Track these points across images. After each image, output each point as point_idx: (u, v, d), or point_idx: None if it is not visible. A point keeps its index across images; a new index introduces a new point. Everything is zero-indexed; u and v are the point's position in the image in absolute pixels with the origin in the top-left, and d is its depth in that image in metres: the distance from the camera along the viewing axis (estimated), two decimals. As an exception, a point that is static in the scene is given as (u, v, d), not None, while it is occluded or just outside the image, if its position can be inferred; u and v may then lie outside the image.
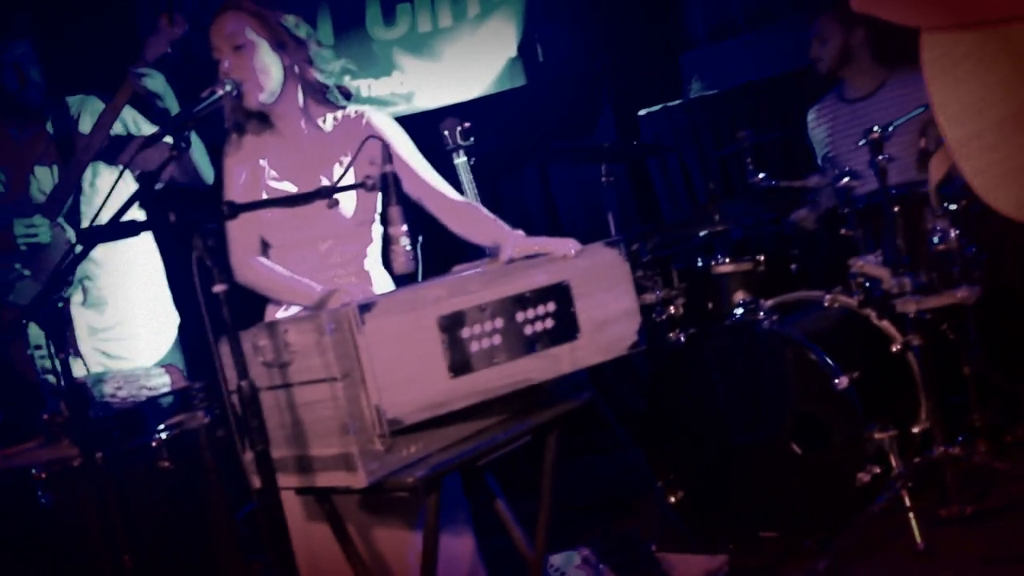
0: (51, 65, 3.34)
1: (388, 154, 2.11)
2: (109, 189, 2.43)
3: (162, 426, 2.48)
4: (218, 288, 1.75)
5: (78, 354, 3.22)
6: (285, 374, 1.97)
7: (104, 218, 2.94)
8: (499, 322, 2.04)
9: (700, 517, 3.36)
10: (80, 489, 2.27)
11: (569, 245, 2.20)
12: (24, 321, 1.99)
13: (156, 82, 3.08)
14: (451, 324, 1.98)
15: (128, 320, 3.32)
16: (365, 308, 1.90)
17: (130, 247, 3.28)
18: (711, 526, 3.32)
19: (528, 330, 2.08)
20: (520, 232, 2.34)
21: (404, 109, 5.04)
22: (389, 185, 2.10)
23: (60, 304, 3.04)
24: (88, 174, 3.22)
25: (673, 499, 3.39)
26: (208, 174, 3.23)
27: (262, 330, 1.99)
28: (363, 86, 5.02)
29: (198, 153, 3.20)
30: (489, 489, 2.47)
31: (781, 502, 3.20)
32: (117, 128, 3.22)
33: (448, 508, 2.41)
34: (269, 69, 2.42)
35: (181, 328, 3.44)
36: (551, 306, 2.12)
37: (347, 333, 1.88)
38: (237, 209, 1.78)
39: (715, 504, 3.34)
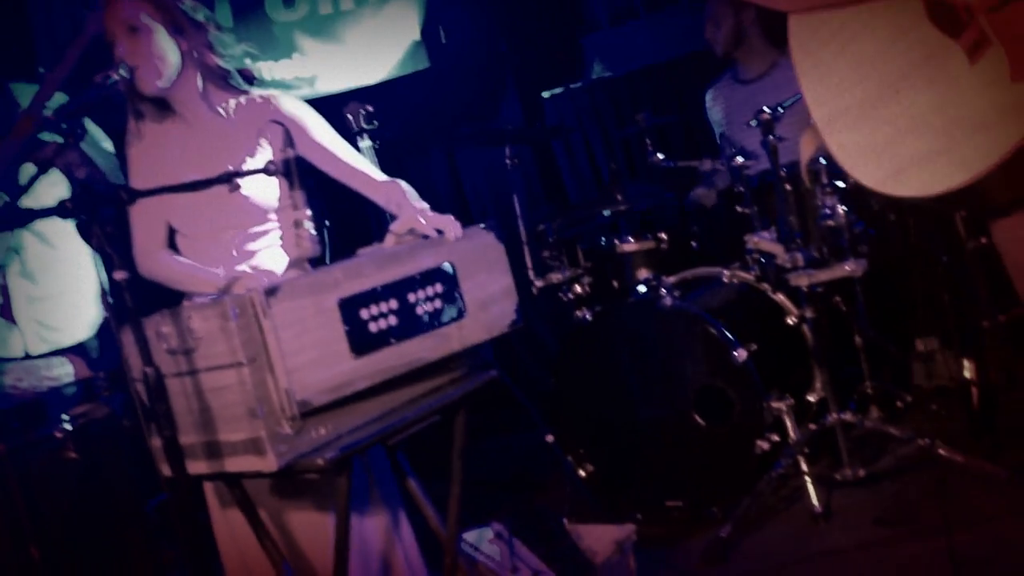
0: None
1: (290, 139, 2.10)
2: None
3: (67, 416, 2.45)
4: (119, 275, 1.73)
5: (15, 325, 3.18)
6: (190, 360, 1.96)
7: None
8: (394, 303, 2.08)
9: (609, 490, 3.45)
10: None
11: (449, 230, 2.24)
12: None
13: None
14: (351, 306, 2.00)
15: (64, 291, 3.29)
16: (270, 292, 1.90)
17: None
18: (619, 498, 3.43)
19: (420, 310, 2.13)
20: (422, 206, 2.35)
21: (307, 93, 4.99)
22: (292, 170, 2.09)
23: None
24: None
25: (583, 473, 3.48)
26: (107, 166, 3.19)
27: (165, 317, 1.98)
28: (264, 68, 4.95)
29: (94, 149, 3.16)
30: (400, 468, 2.50)
31: (686, 472, 3.31)
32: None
33: (376, 486, 2.44)
34: (166, 54, 2.38)
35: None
36: (439, 287, 2.17)
37: (252, 318, 1.89)
38: (135, 195, 1.76)
39: (623, 477, 3.44)
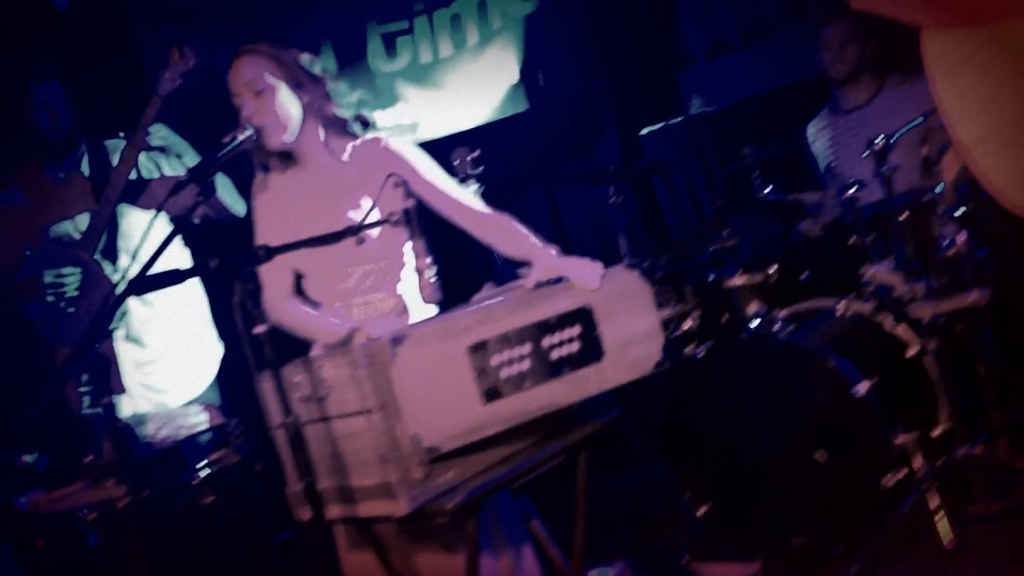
0: (85, 109, 3.45)
1: (408, 190, 2.16)
2: (141, 232, 2.49)
3: (202, 463, 2.54)
4: (259, 329, 1.80)
5: (123, 390, 3.28)
6: (322, 408, 2.02)
7: (142, 258, 3.04)
8: (526, 348, 2.09)
9: (728, 527, 3.39)
10: (127, 528, 2.32)
11: (594, 273, 2.25)
12: (75, 362, 2.05)
13: (161, 136, 3.16)
14: (480, 352, 2.03)
15: (169, 353, 3.37)
16: (397, 341, 1.95)
17: None
18: (740, 535, 3.36)
19: (554, 355, 2.14)
20: (552, 251, 2.38)
21: (409, 140, 5.10)
22: (413, 219, 2.15)
23: (100, 343, 3.13)
24: (118, 213, 3.30)
25: (701, 510, 3.43)
26: (238, 208, 3.31)
27: (298, 366, 2.05)
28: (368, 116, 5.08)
29: (225, 191, 3.28)
30: (525, 509, 2.52)
31: (809, 509, 3.23)
32: (150, 167, 3.31)
33: (500, 526, 2.46)
34: (289, 110, 2.49)
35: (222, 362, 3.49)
36: (575, 330, 2.17)
37: (380, 366, 1.94)
38: (272, 252, 1.84)
39: (743, 514, 3.37)
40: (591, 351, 2.19)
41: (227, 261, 1.75)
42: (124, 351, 3.30)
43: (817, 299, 3.58)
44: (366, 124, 2.62)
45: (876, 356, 3.35)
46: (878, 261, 3.22)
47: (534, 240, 2.41)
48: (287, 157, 2.57)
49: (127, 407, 3.31)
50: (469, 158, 3.70)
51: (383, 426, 1.94)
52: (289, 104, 2.49)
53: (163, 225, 3.33)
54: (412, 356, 1.96)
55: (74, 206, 3.34)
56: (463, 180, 3.70)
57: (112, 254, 3.27)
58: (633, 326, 2.28)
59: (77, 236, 3.26)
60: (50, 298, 3.16)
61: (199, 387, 3.40)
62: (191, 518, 2.43)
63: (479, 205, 2.57)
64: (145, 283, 1.85)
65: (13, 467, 2.37)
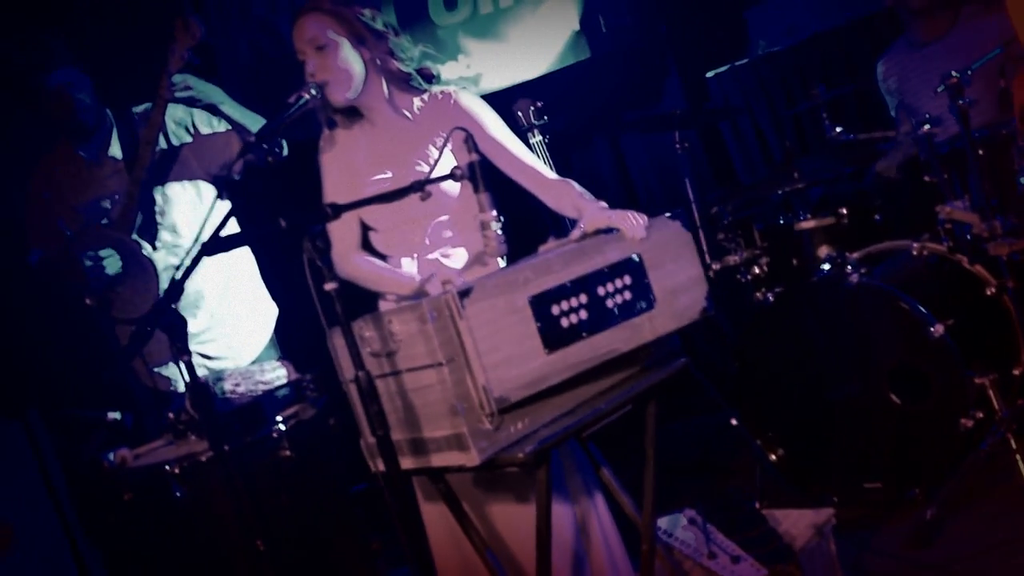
0: (106, 78, 3.40)
1: (473, 143, 2.17)
2: (180, 205, 2.42)
3: (279, 417, 2.60)
4: (330, 286, 1.84)
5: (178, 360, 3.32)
6: (392, 362, 2.05)
7: (208, 228, 3.06)
8: (583, 298, 2.11)
9: (801, 473, 3.38)
10: (211, 481, 2.40)
11: (639, 223, 2.25)
12: (148, 330, 2.10)
13: (191, 88, 3.11)
14: (542, 303, 2.05)
15: (221, 321, 3.36)
16: (464, 294, 1.97)
17: None
18: (813, 481, 3.35)
19: (610, 303, 2.16)
20: (601, 204, 2.38)
21: (473, 92, 5.10)
22: (477, 173, 2.16)
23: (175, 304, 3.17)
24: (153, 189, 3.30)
25: (773, 457, 3.42)
26: (250, 123, 3.19)
27: (367, 322, 2.08)
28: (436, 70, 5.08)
29: (228, 107, 3.20)
30: (594, 458, 2.54)
31: (884, 453, 3.20)
32: (180, 134, 3.31)
33: (574, 473, 2.50)
34: (352, 66, 2.49)
35: (278, 321, 3.48)
36: (627, 279, 2.20)
37: (448, 320, 1.96)
38: (340, 210, 1.87)
39: (816, 459, 3.36)
40: (643, 299, 2.22)
41: (295, 221, 1.78)
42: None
43: (891, 240, 3.51)
44: (429, 78, 2.61)
45: (953, 296, 3.28)
46: (954, 199, 3.13)
47: (586, 199, 2.41)
48: (353, 113, 2.59)
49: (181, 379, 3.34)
50: (532, 109, 3.68)
51: (453, 379, 1.97)
52: (352, 60, 2.49)
53: (205, 190, 3.32)
54: (479, 309, 1.98)
55: (109, 184, 3.33)
56: (527, 131, 3.68)
57: (150, 232, 3.27)
58: (679, 275, 2.31)
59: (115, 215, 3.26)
60: (93, 280, 3.18)
61: (256, 350, 3.39)
62: (270, 471, 2.50)
63: (543, 169, 2.56)
64: (215, 245, 1.88)
65: (100, 424, 2.46)
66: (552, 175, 2.55)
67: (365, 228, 2.62)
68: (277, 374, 2.63)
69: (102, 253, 3.17)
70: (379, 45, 2.52)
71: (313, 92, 2.43)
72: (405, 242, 2.58)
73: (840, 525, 2.88)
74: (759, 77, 5.03)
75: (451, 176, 2.14)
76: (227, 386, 2.48)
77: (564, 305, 2.08)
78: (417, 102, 2.58)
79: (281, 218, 1.71)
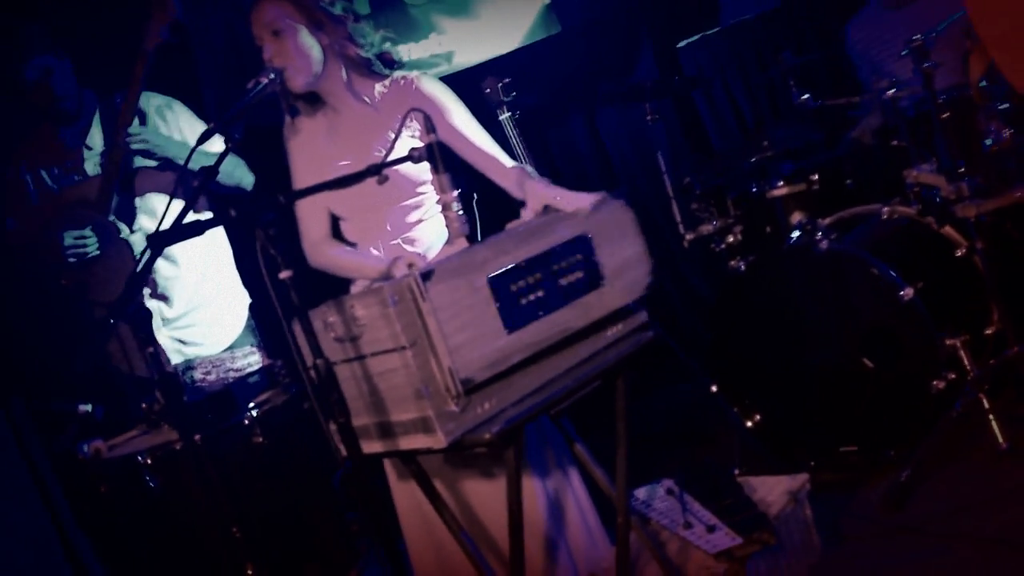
0: (89, 63, 3.39)
1: (431, 124, 2.16)
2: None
3: (252, 404, 2.61)
4: (284, 274, 1.84)
5: (144, 351, 3.30)
6: (357, 347, 2.06)
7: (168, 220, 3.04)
8: (539, 277, 2.13)
9: (779, 439, 3.41)
10: (184, 470, 2.41)
11: (582, 198, 2.26)
12: (112, 321, 2.10)
13: (147, 141, 3.12)
14: (500, 283, 2.06)
15: (197, 307, 3.34)
16: (425, 277, 1.97)
17: None
18: (790, 446, 3.38)
19: (563, 281, 2.18)
20: (543, 182, 2.38)
21: (445, 69, 5.07)
22: (436, 154, 2.15)
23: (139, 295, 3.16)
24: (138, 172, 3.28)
25: (750, 423, 3.44)
26: (247, 180, 3.30)
27: (330, 307, 2.09)
28: (403, 51, 5.06)
29: (231, 164, 3.23)
30: (567, 433, 2.56)
31: (858, 416, 3.23)
32: (159, 119, 3.29)
33: (549, 447, 2.51)
34: (310, 51, 2.48)
35: (253, 308, 3.47)
36: (578, 257, 2.20)
37: (410, 303, 1.96)
38: (291, 197, 1.86)
39: (792, 425, 3.38)
40: (593, 277, 2.24)
41: (247, 209, 1.78)
42: (153, 308, 3.29)
43: (861, 205, 3.53)
44: (391, 64, 2.60)
45: (923, 259, 3.30)
46: (921, 163, 3.14)
47: (533, 180, 2.40)
48: (314, 99, 2.58)
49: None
50: (500, 85, 3.66)
51: (417, 362, 1.97)
52: (309, 45, 2.48)
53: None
54: (440, 291, 1.98)
55: (87, 168, 3.31)
56: (496, 108, 3.67)
57: (128, 215, 3.25)
58: (625, 251, 2.33)
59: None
60: (72, 260, 3.19)
61: (231, 336, 3.35)
62: (244, 457, 2.51)
63: (502, 156, 2.56)
64: (164, 236, 1.88)
65: (72, 417, 2.46)
66: (509, 162, 2.54)
67: (335, 217, 2.62)
68: (248, 361, 2.64)
69: (79, 233, 3.17)
70: (337, 30, 2.51)
71: (272, 77, 2.42)
72: (370, 229, 2.58)
73: (817, 489, 2.92)
74: (730, 45, 5.02)
75: (408, 158, 2.14)
76: (197, 375, 2.48)
77: (521, 284, 2.09)
78: (379, 88, 2.57)
79: (231, 207, 1.71)
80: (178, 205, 3.27)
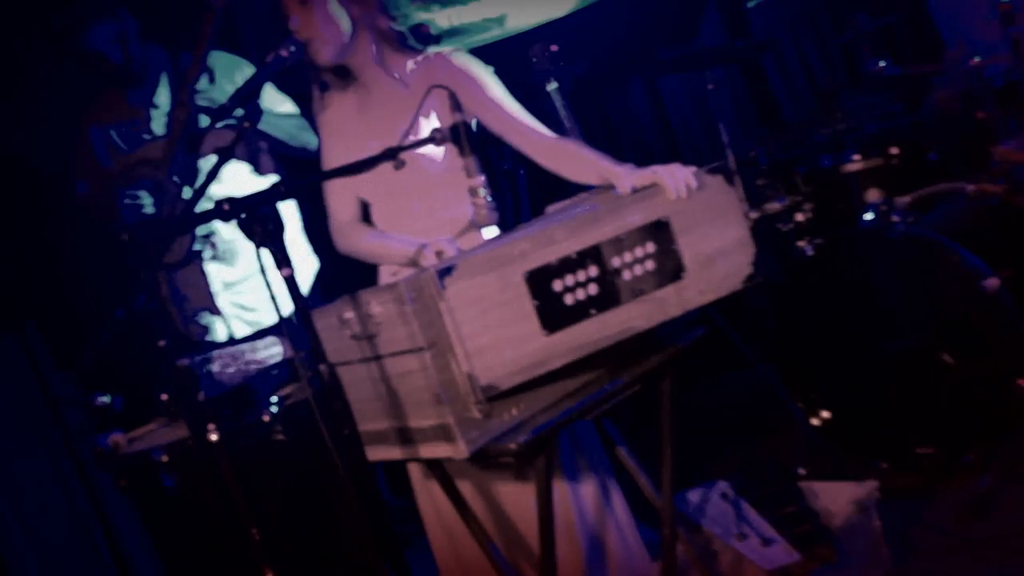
0: (157, 21, 3.36)
1: (456, 102, 1.96)
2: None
3: (274, 399, 2.47)
4: (284, 272, 1.67)
5: (216, 311, 3.27)
6: (374, 346, 1.89)
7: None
8: (593, 270, 1.90)
9: (847, 437, 3.16)
10: (201, 469, 2.28)
11: (682, 176, 2.01)
12: (126, 306, 1.98)
13: (214, 98, 3.07)
14: (540, 278, 1.85)
15: (257, 272, 3.30)
16: (445, 272, 1.78)
17: None
18: (860, 446, 3.12)
19: (627, 275, 1.93)
20: (629, 165, 2.15)
21: (497, 34, 4.85)
22: (461, 136, 1.96)
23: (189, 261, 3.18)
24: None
25: (816, 421, 3.20)
26: (313, 143, 3.17)
27: (347, 303, 1.92)
28: (453, 14, 4.85)
29: (296, 127, 3.19)
30: (608, 437, 2.37)
31: (936, 416, 2.97)
32: (227, 82, 3.22)
33: (582, 455, 2.32)
34: (337, 22, 2.29)
35: (320, 276, 3.40)
36: (650, 247, 1.95)
37: (428, 301, 1.78)
38: (292, 187, 1.68)
39: (863, 422, 3.13)
40: (669, 269, 1.97)
41: (242, 202, 1.60)
42: (213, 272, 3.27)
43: (943, 183, 3.23)
44: (426, 38, 2.40)
45: (1011, 244, 3.01)
46: (1009, 138, 2.84)
47: (607, 160, 2.17)
48: (345, 73, 2.40)
49: (220, 330, 3.29)
50: (547, 53, 3.43)
51: (436, 365, 1.79)
52: (338, 17, 2.30)
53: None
54: (463, 287, 1.80)
55: (154, 128, 3.26)
56: (543, 77, 3.44)
57: (190, 175, 3.17)
58: (717, 238, 2.04)
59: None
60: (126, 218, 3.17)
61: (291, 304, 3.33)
62: (264, 455, 2.37)
63: (543, 130, 2.33)
64: (173, 224, 1.71)
65: (89, 408, 2.35)
66: (552, 135, 2.32)
67: (366, 205, 2.45)
68: (270, 352, 2.48)
69: (140, 193, 3.14)
70: (369, 1, 2.32)
71: (292, 49, 2.24)
72: (401, 215, 2.40)
73: (887, 495, 2.69)
74: (805, 5, 4.69)
75: (430, 139, 1.95)
76: (215, 367, 2.34)
77: (569, 280, 1.86)
78: (410, 64, 2.37)
79: (225, 201, 1.54)
80: (241, 167, 3.28)
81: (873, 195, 3.32)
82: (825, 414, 3.18)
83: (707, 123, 4.82)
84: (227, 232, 3.26)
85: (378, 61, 2.36)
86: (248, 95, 2.18)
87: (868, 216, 3.17)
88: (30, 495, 2.84)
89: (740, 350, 3.60)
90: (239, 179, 3.25)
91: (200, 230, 3.20)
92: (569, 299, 1.88)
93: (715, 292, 2.05)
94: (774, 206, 3.49)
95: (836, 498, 2.60)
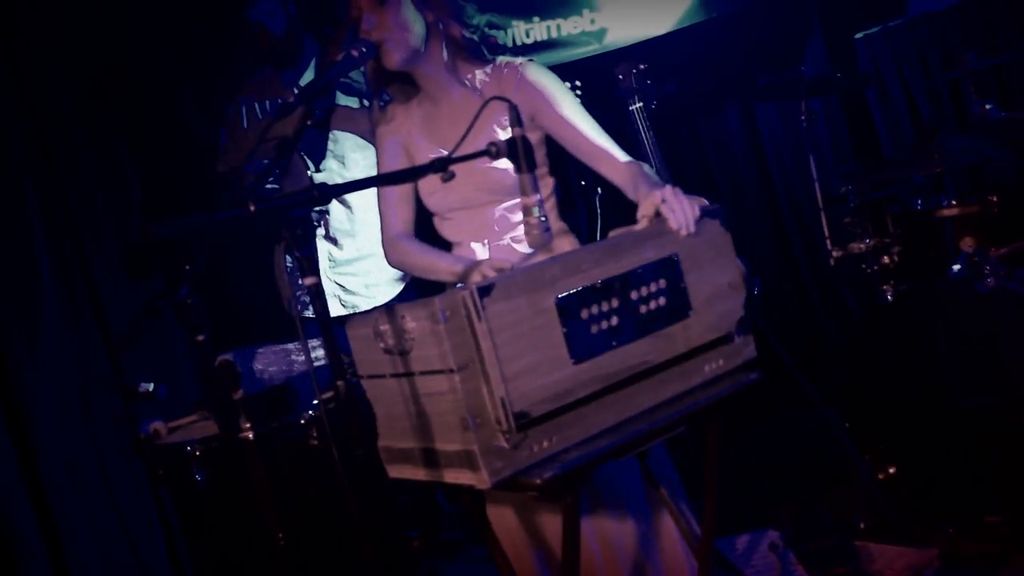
0: (312, 8, 3.52)
1: (517, 116, 1.89)
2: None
3: (313, 402, 2.43)
4: (309, 281, 1.62)
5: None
6: (407, 362, 1.83)
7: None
8: (615, 302, 1.82)
9: (913, 495, 2.99)
10: (232, 467, 2.26)
11: (688, 214, 1.92)
12: (159, 306, 1.97)
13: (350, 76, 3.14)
14: (570, 306, 1.77)
15: (366, 256, 3.37)
16: (484, 292, 1.72)
17: None
18: (926, 506, 2.95)
19: (643, 309, 1.86)
20: (656, 184, 2.05)
21: (595, 48, 4.76)
22: (519, 151, 1.89)
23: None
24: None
25: (882, 476, 3.03)
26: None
27: (383, 314, 1.86)
28: (552, 27, 4.79)
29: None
30: (651, 476, 2.26)
31: (1011, 481, 2.78)
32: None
33: (627, 485, 2.23)
34: (412, 26, 2.24)
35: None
36: (662, 283, 1.88)
37: (464, 320, 1.71)
38: (327, 192, 1.63)
39: (932, 481, 2.96)
40: (679, 306, 1.90)
41: (270, 204, 1.55)
42: (322, 248, 3.36)
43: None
44: (495, 49, 2.34)
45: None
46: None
47: (651, 182, 2.09)
48: (409, 82, 2.35)
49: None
50: (635, 72, 3.34)
51: (465, 388, 1.72)
52: (412, 20, 2.25)
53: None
54: (501, 309, 1.72)
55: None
56: (628, 96, 3.35)
57: (318, 153, 3.28)
58: (717, 279, 1.98)
59: None
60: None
61: (391, 294, 3.38)
62: (294, 459, 2.33)
63: (616, 150, 2.25)
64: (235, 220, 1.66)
65: (133, 395, 2.36)
66: (624, 157, 2.24)
67: (428, 214, 2.41)
68: (316, 354, 2.45)
69: (261, 165, 3.23)
70: (444, 7, 2.27)
71: (363, 50, 2.21)
72: (472, 228, 2.34)
73: (952, 561, 2.52)
74: (914, 40, 4.49)
75: (485, 152, 1.88)
76: (258, 365, 2.32)
77: (594, 309, 1.80)
78: (480, 75, 2.32)
79: (251, 202, 1.50)
80: (364, 151, 3.32)
81: (967, 243, 3.14)
82: (891, 469, 3.01)
83: (800, 154, 4.66)
84: (339, 213, 3.36)
85: (449, 69, 2.31)
86: (317, 92, 2.16)
87: (957, 267, 2.99)
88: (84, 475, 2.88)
89: (805, 390, 3.43)
90: (364, 164, 3.33)
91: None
92: (594, 328, 1.81)
93: (714, 332, 1.98)
94: (859, 246, 3.34)
95: (893, 563, 2.46)
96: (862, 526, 2.95)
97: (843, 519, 2.93)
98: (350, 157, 3.35)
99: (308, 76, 3.39)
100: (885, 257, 3.31)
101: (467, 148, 2.01)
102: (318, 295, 1.61)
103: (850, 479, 3.20)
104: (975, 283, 2.83)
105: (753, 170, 4.77)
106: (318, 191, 1.59)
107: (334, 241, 3.38)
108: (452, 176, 1.80)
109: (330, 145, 3.28)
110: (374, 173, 3.27)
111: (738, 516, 2.93)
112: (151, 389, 2.37)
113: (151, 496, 2.78)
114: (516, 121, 1.90)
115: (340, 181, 3.32)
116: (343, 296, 3.39)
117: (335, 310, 3.36)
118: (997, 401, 2.79)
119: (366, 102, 3.26)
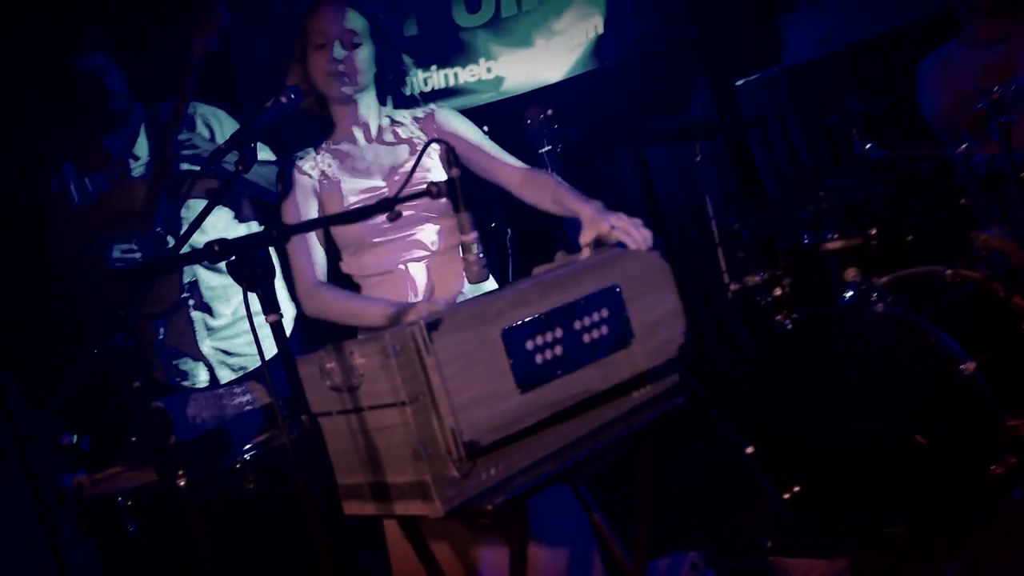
0: (139, 72, 3.36)
1: (455, 157, 1.98)
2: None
3: (248, 445, 2.43)
4: (271, 318, 1.66)
5: (200, 357, 3.26)
6: (355, 398, 1.87)
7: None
8: (559, 332, 1.91)
9: (818, 514, 3.15)
10: (164, 515, 2.23)
11: (642, 234, 2.04)
12: (95, 352, 1.95)
13: (196, 147, 3.08)
14: (515, 337, 1.85)
15: (243, 317, 3.30)
16: (432, 326, 1.78)
17: None
18: (830, 523, 3.12)
19: (586, 338, 1.95)
20: (597, 204, 2.16)
21: (493, 96, 4.91)
22: (457, 190, 1.97)
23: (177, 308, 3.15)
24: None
25: (787, 495, 3.19)
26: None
27: (330, 352, 1.90)
28: (450, 75, 4.92)
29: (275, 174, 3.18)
30: (584, 502, 2.34)
31: (907, 497, 2.97)
32: (205, 128, 3.22)
33: (558, 517, 2.29)
34: (369, 69, 2.40)
35: (298, 320, 3.37)
36: (604, 312, 1.99)
37: (414, 355, 1.77)
38: (285, 232, 1.68)
39: (833, 498, 3.13)
40: (621, 334, 2.01)
41: (231, 243, 1.59)
42: (196, 319, 3.26)
43: (922, 266, 3.27)
44: (414, 99, 2.49)
45: (987, 329, 3.04)
46: (992, 224, 2.89)
47: (577, 196, 2.22)
48: (330, 128, 2.44)
49: (203, 375, 3.27)
50: (542, 116, 3.47)
51: (417, 420, 1.78)
52: (370, 64, 2.40)
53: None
54: (449, 343, 1.79)
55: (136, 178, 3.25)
56: (536, 140, 3.48)
57: (174, 225, 3.17)
58: (658, 308, 2.10)
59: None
60: (119, 268, 3.12)
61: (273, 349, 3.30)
62: (233, 504, 2.32)
63: (518, 163, 2.43)
64: (157, 264, 1.70)
65: (56, 447, 2.31)
66: (524, 167, 2.40)
67: (336, 253, 2.44)
68: (247, 398, 2.45)
69: (127, 247, 3.12)
70: (391, 56, 2.44)
71: (292, 97, 2.26)
72: (393, 278, 2.39)
73: (857, 574, 2.66)
74: (792, 86, 4.78)
75: (427, 193, 1.95)
76: (190, 411, 2.31)
77: (539, 340, 1.88)
78: (403, 119, 2.47)
79: (216, 243, 1.53)
80: (224, 213, 3.26)
81: (851, 274, 3.36)
82: (796, 488, 3.17)
83: (692, 194, 4.89)
84: (212, 279, 3.26)
85: (380, 112, 2.43)
86: (245, 140, 2.18)
87: (848, 294, 3.20)
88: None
89: (716, 420, 3.59)
90: (221, 226, 3.26)
91: (185, 278, 3.18)
92: (539, 359, 1.89)
93: (655, 359, 2.09)
94: (754, 279, 3.52)
95: (807, 574, 2.58)
96: (769, 545, 3.10)
97: (753, 539, 3.06)
98: (208, 224, 3.25)
99: (141, 143, 3.28)
100: (777, 289, 3.50)
101: (395, 188, 2.09)
102: (279, 332, 1.63)
103: (759, 503, 3.36)
104: (864, 309, 3.03)
105: (646, 210, 4.96)
106: (276, 232, 1.63)
107: (208, 310, 3.27)
108: (399, 216, 1.87)
109: (184, 213, 3.18)
110: (230, 232, 3.26)
111: (654, 544, 3.03)
112: (74, 441, 2.33)
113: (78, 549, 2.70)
114: (454, 162, 1.98)
115: (199, 247, 3.22)
116: (228, 360, 3.30)
117: (224, 377, 3.29)
118: (891, 420, 2.98)
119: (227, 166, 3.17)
